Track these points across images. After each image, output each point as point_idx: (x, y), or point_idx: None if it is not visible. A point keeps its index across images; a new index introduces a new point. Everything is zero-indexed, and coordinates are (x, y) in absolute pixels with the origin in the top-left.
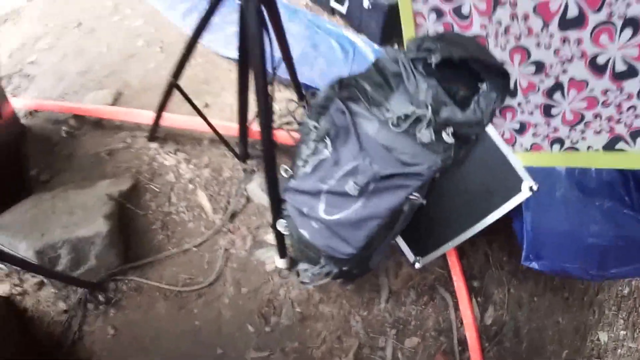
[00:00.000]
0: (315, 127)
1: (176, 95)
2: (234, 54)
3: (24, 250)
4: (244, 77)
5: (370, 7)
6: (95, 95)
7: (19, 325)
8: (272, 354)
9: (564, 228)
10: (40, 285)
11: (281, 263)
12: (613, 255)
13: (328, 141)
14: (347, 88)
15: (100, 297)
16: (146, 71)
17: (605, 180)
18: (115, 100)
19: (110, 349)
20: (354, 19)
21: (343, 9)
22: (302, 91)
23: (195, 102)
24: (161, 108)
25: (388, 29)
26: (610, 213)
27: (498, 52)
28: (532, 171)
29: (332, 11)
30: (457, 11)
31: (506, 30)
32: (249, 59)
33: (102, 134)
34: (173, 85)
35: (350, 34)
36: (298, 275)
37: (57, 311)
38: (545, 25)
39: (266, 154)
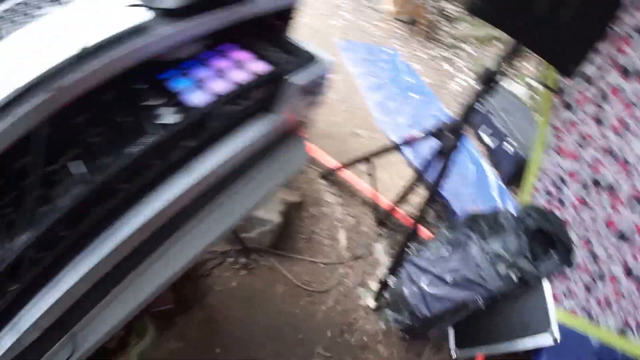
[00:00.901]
0: (446, 236)
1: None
2: (396, 138)
3: None
4: (418, 179)
5: (512, 153)
6: None
7: None
8: (332, 357)
9: None
10: None
11: (372, 304)
12: None
13: (449, 247)
14: (473, 221)
15: (241, 259)
16: (331, 122)
17: None
18: None
19: (226, 293)
20: (494, 155)
21: (491, 143)
22: (435, 197)
23: (357, 167)
24: (348, 165)
25: (516, 175)
26: None
27: (574, 236)
28: (568, 330)
29: (480, 139)
30: (560, 200)
31: (586, 226)
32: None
33: None
34: (366, 160)
35: (485, 164)
36: (378, 317)
37: None
38: (608, 232)
39: (409, 235)
